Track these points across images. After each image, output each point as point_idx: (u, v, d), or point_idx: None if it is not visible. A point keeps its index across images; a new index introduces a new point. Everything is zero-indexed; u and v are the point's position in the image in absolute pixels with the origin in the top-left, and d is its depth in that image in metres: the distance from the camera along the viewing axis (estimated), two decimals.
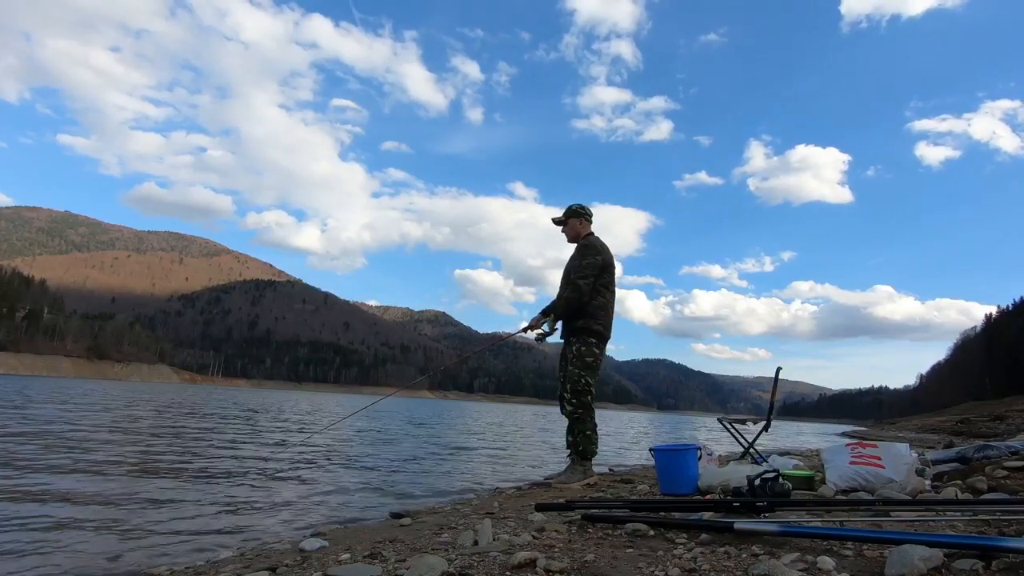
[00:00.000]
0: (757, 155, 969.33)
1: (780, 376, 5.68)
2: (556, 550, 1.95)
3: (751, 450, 5.16)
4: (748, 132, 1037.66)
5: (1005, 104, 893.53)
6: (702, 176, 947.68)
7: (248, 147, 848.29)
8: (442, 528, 2.51)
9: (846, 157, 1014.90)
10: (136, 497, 3.82)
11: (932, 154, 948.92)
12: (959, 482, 3.19)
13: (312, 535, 2.66)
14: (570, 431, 4.27)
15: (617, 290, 4.50)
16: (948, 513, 2.33)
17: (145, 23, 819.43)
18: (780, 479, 2.71)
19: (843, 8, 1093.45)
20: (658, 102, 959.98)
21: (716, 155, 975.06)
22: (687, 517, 2.34)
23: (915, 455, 3.23)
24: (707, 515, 2.37)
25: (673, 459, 3.53)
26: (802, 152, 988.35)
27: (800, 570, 1.62)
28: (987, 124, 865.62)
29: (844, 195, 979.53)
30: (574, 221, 4.54)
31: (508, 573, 1.70)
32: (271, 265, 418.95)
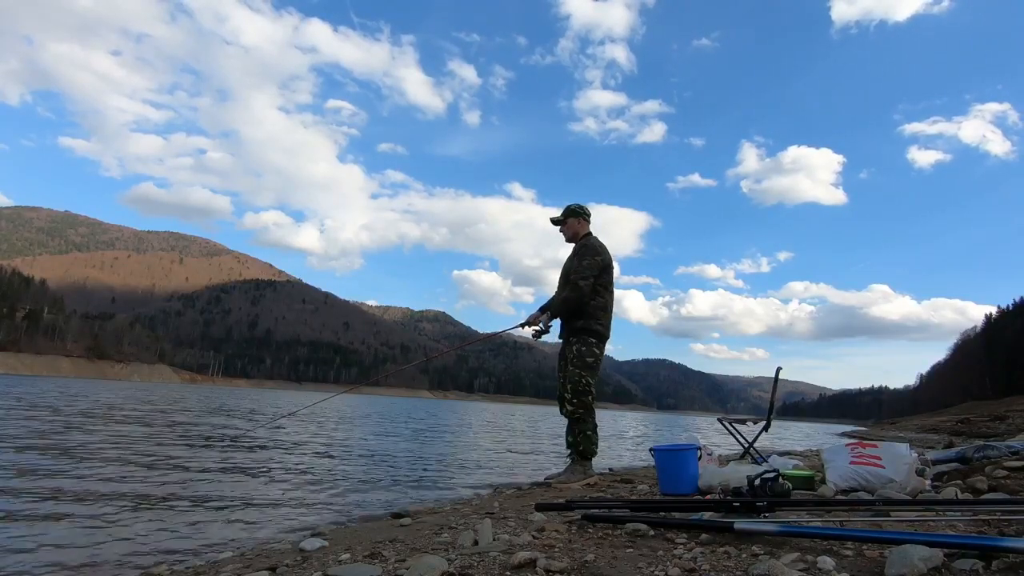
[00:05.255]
0: (750, 156, 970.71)
1: (780, 376, 5.68)
2: (556, 550, 1.95)
3: (751, 450, 5.16)
4: (741, 134, 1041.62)
5: (994, 107, 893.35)
6: (695, 178, 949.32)
7: (247, 149, 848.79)
8: (442, 528, 2.51)
9: (840, 158, 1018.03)
10: (135, 498, 3.82)
11: (923, 157, 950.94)
12: (959, 482, 3.18)
13: (312, 535, 2.66)
14: (570, 431, 4.27)
15: (615, 290, 4.50)
16: (948, 513, 2.33)
17: (146, 27, 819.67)
18: (780, 479, 2.71)
19: (833, 14, 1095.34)
20: (652, 105, 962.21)
21: (709, 157, 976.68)
22: (687, 517, 2.34)
23: (915, 455, 3.22)
24: (707, 515, 2.36)
25: (673, 459, 3.53)
26: (794, 153, 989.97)
27: (800, 570, 1.62)
28: (977, 127, 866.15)
29: (838, 196, 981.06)
30: (572, 221, 4.54)
31: (508, 573, 1.70)
32: (271, 265, 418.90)
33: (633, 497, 3.42)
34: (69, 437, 7.16)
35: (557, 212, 4.65)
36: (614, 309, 4.44)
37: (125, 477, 4.52)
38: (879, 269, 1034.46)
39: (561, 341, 4.49)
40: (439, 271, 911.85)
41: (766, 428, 5.28)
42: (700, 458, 3.57)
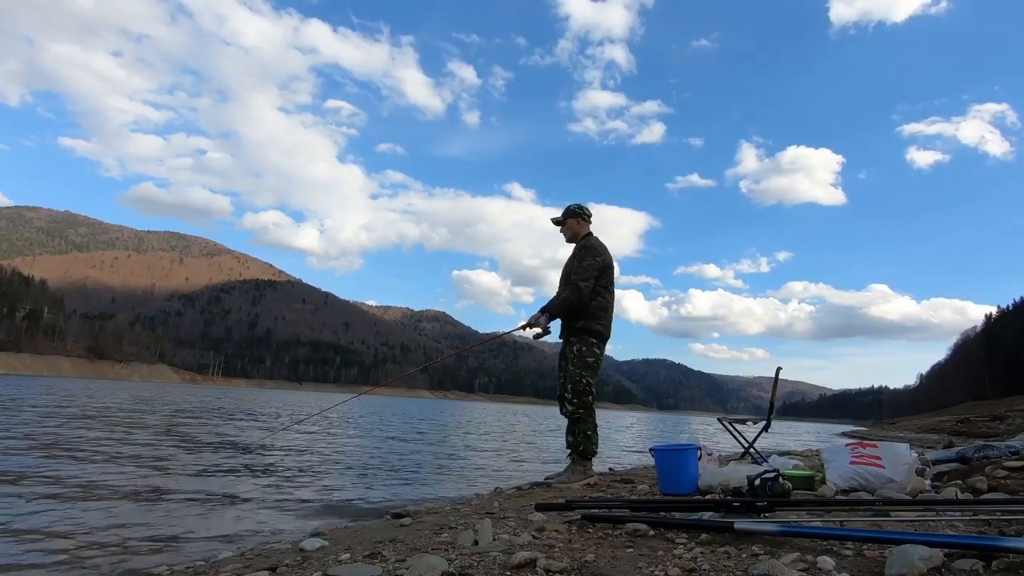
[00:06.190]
0: (749, 157, 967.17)
1: (780, 376, 5.68)
2: (556, 550, 1.95)
3: (751, 450, 5.16)
4: (739, 134, 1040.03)
5: (992, 107, 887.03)
6: (695, 178, 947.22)
7: (247, 149, 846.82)
8: (442, 528, 2.51)
9: (838, 159, 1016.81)
10: (134, 498, 3.82)
11: (922, 157, 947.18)
12: (959, 482, 3.18)
13: (312, 535, 2.66)
14: (570, 431, 4.27)
15: (615, 290, 4.49)
16: (948, 513, 2.33)
17: (146, 28, 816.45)
18: (780, 479, 2.71)
19: (832, 15, 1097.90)
20: (651, 106, 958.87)
21: (708, 157, 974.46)
22: (687, 517, 2.34)
23: (915, 455, 3.23)
24: (707, 515, 2.36)
25: (673, 459, 3.53)
26: (793, 154, 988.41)
27: (800, 570, 1.62)
28: (975, 128, 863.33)
29: (837, 196, 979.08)
30: (572, 221, 4.53)
31: (508, 573, 1.70)
32: (271, 265, 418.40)
33: (633, 497, 3.42)
34: (64, 438, 7.16)
35: (557, 212, 4.64)
36: (614, 309, 4.44)
37: (122, 479, 4.52)
38: (878, 269, 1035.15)
39: (561, 341, 4.49)
40: (439, 271, 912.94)
41: (766, 428, 5.28)
42: (700, 458, 3.57)
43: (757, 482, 2.64)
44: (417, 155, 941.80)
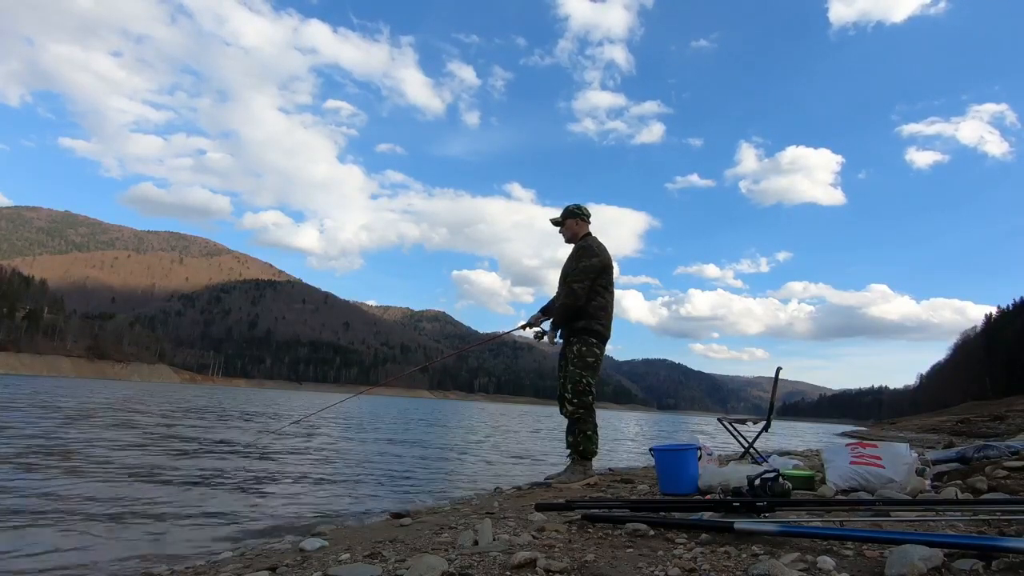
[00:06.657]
0: (748, 157, 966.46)
1: (780, 376, 5.68)
2: (556, 550, 1.95)
3: (751, 450, 5.16)
4: (739, 135, 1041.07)
5: (991, 108, 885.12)
6: (694, 178, 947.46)
7: (247, 149, 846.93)
8: (442, 528, 2.51)
9: (838, 159, 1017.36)
10: (133, 499, 3.82)
11: (922, 158, 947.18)
12: (959, 482, 3.18)
13: (312, 535, 2.66)
14: (570, 431, 4.27)
15: (615, 290, 4.49)
16: (948, 513, 2.33)
17: (146, 29, 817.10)
18: (780, 479, 2.71)
19: (831, 15, 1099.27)
20: (651, 106, 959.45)
21: (708, 157, 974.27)
22: (687, 517, 2.34)
23: (915, 455, 3.23)
24: (707, 515, 2.36)
25: (673, 459, 3.53)
26: (793, 154, 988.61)
27: (800, 570, 1.62)
28: (975, 128, 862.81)
29: (837, 197, 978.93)
30: (571, 222, 4.52)
31: (508, 573, 1.70)
32: (271, 265, 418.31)
33: (633, 497, 3.42)
34: (60, 439, 7.16)
35: (556, 212, 4.63)
36: (614, 309, 4.43)
37: (121, 480, 4.52)
38: (878, 269, 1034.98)
39: (561, 341, 4.49)
40: (439, 271, 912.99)
41: (766, 428, 5.28)
42: (700, 458, 3.57)
43: (757, 482, 2.64)
44: (417, 155, 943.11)
